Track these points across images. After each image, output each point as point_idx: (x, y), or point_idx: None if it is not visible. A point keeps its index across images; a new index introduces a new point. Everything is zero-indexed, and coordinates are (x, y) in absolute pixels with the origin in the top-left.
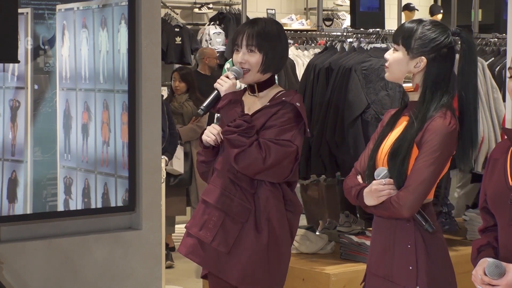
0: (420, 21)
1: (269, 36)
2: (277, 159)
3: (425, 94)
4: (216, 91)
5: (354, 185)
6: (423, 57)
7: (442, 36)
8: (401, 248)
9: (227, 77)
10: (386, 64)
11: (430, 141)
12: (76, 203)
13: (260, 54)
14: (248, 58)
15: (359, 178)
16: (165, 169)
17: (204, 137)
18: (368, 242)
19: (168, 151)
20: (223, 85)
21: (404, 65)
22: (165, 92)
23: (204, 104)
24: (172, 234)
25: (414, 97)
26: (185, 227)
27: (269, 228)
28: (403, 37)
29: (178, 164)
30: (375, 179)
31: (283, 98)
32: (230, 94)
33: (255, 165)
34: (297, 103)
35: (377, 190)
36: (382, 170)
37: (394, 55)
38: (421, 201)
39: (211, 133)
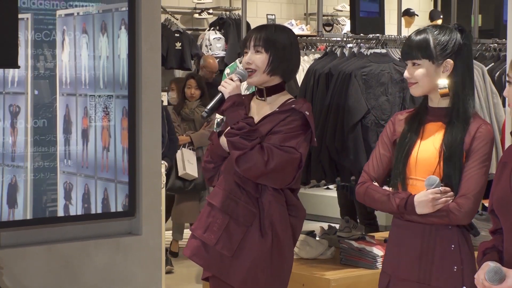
0: (424, 30)
1: (277, 39)
2: (280, 165)
3: (458, 94)
4: (220, 94)
5: (391, 193)
6: (448, 59)
7: (454, 35)
8: (443, 251)
9: (231, 79)
10: (412, 81)
11: (481, 149)
12: (76, 209)
13: (266, 54)
14: (255, 58)
15: (376, 184)
16: (179, 175)
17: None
18: (368, 248)
19: (168, 156)
20: (227, 87)
21: (434, 75)
22: (164, 98)
23: (208, 107)
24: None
25: (436, 103)
26: (191, 229)
27: (273, 232)
28: (421, 49)
29: (192, 168)
30: (425, 189)
31: (293, 106)
32: (234, 96)
33: (256, 169)
34: (306, 112)
35: (434, 199)
36: (435, 179)
37: (419, 71)
38: (478, 207)
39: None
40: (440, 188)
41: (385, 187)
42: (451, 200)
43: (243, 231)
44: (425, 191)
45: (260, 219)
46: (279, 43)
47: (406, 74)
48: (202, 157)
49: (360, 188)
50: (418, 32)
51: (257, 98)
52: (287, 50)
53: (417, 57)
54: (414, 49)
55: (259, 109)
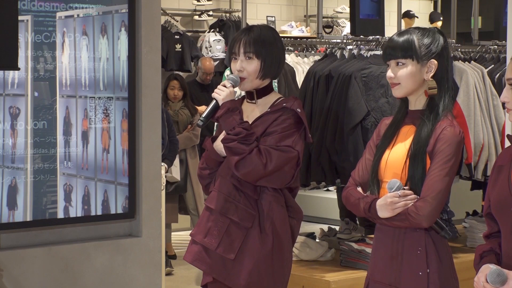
0: (407, 31)
1: (266, 42)
2: (278, 165)
3: (434, 95)
4: (214, 101)
5: (362, 197)
6: (432, 60)
7: (437, 36)
8: (410, 254)
9: (225, 86)
10: (395, 81)
11: (443, 151)
12: (76, 210)
13: (258, 60)
14: (246, 65)
15: (360, 189)
16: (165, 177)
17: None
18: (368, 249)
19: (168, 158)
20: (221, 94)
21: (418, 74)
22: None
23: (203, 115)
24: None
25: (416, 105)
26: (190, 235)
27: (273, 233)
28: (406, 49)
29: (176, 171)
30: (388, 192)
31: (284, 104)
32: (228, 102)
33: (256, 172)
34: (297, 109)
35: (392, 203)
36: (395, 182)
37: (403, 70)
38: (439, 210)
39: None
40: (399, 191)
41: (359, 190)
42: (412, 203)
43: (244, 233)
44: (385, 195)
45: (260, 220)
46: (268, 45)
47: (389, 74)
48: (184, 159)
49: (343, 193)
50: (401, 33)
51: (247, 102)
52: (275, 51)
53: (402, 57)
54: (398, 49)
55: (250, 112)
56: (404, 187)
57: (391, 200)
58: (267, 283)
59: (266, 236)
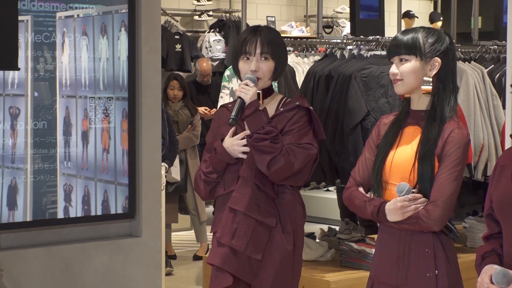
0: (413, 29)
1: (278, 44)
2: (303, 163)
3: (438, 95)
4: (240, 100)
5: (368, 199)
6: (436, 57)
7: (442, 36)
8: (418, 255)
9: (247, 85)
10: (398, 77)
11: (452, 154)
12: (76, 211)
13: (273, 61)
14: (262, 66)
15: (361, 190)
16: (165, 177)
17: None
18: (368, 249)
19: (168, 158)
20: (247, 93)
21: (421, 71)
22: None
23: (233, 114)
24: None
25: (418, 105)
26: (216, 238)
27: (294, 231)
28: (410, 46)
29: (175, 171)
30: (396, 195)
31: (297, 103)
32: (254, 102)
33: (287, 170)
34: (310, 107)
35: (403, 207)
36: (404, 186)
37: (406, 66)
38: (449, 214)
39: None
40: (409, 195)
41: (361, 191)
42: (422, 206)
43: (268, 233)
44: (395, 199)
45: (281, 219)
46: (280, 47)
47: (392, 70)
48: (184, 159)
49: (345, 194)
50: (406, 31)
51: None
52: (284, 52)
53: (406, 53)
54: (402, 46)
55: None
56: (413, 190)
57: (401, 204)
58: (288, 281)
59: (288, 235)
